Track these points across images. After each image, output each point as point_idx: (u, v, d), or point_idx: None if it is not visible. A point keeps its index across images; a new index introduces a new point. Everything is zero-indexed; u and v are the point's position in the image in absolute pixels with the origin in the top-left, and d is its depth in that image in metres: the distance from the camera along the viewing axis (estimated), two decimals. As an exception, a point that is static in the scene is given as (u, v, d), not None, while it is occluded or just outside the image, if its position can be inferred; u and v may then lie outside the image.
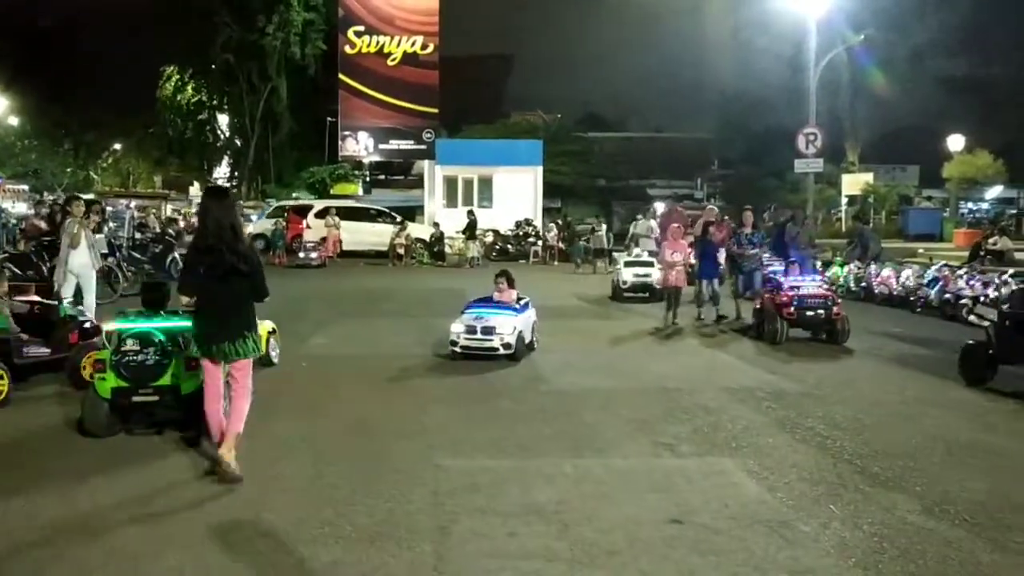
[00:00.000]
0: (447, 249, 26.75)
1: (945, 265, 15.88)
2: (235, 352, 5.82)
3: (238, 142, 48.39)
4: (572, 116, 51.92)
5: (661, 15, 64.04)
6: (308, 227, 26.64)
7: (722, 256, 13.93)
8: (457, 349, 9.86)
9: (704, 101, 60.60)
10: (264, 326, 8.80)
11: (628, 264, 17.24)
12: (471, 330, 9.81)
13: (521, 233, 28.58)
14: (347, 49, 32.56)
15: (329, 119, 38.36)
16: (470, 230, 26.03)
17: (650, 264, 16.68)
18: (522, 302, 10.55)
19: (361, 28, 32.40)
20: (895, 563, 4.45)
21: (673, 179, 52.05)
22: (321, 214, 27.51)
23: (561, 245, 27.58)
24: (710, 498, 5.39)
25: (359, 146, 33.00)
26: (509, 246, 28.26)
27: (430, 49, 32.47)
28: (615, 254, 21.15)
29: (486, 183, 32.05)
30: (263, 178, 45.96)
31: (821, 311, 11.32)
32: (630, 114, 66.61)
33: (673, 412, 7.59)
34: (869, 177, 41.99)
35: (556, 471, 5.89)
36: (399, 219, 27.30)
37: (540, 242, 27.78)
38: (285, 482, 5.65)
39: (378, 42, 32.34)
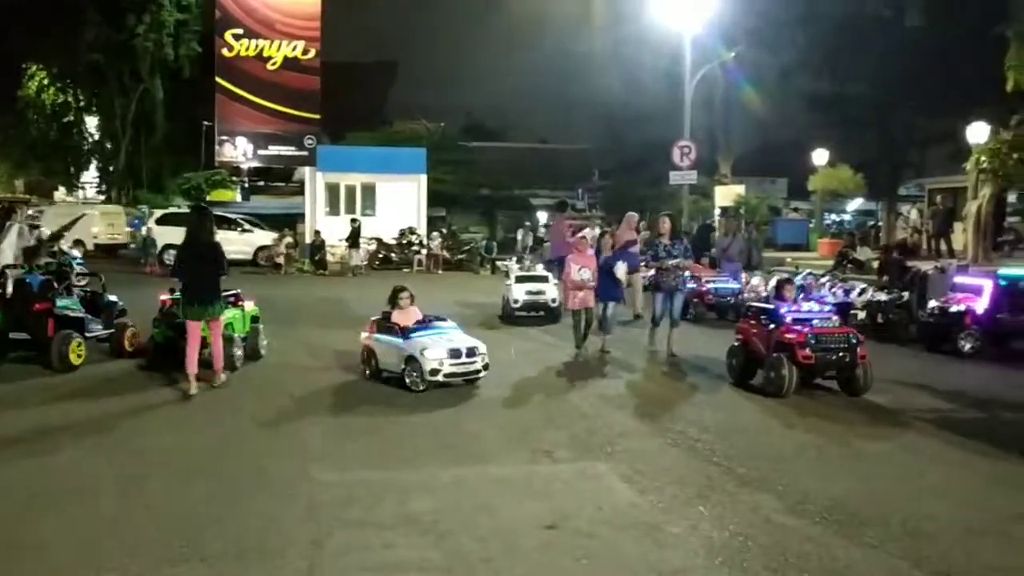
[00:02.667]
0: (329, 257, 26.35)
1: (810, 273, 16.63)
2: (207, 313, 8.61)
3: (108, 145, 46.23)
4: (456, 125, 51.94)
5: (545, 27, 64.83)
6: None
7: (620, 271, 11.38)
8: (440, 378, 8.65)
9: (586, 113, 61.62)
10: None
11: (520, 280, 15.03)
12: (455, 354, 8.73)
13: (405, 242, 28.43)
14: (224, 52, 31.56)
15: (205, 123, 37.13)
16: (353, 238, 25.73)
17: (545, 279, 14.94)
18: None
19: (240, 31, 31.47)
20: (758, 560, 4.63)
21: (556, 189, 52.77)
22: (161, 221, 26.52)
23: (445, 254, 27.58)
24: (585, 503, 5.48)
25: (237, 151, 31.99)
26: (393, 254, 28.07)
27: (311, 54, 31.83)
28: (501, 264, 20.56)
29: (369, 191, 31.70)
30: (136, 183, 44.07)
31: (845, 353, 8.68)
32: (513, 124, 67.06)
33: (552, 419, 7.68)
34: (741, 189, 43.57)
35: (434, 481, 5.87)
36: (245, 226, 27.03)
37: (424, 251, 27.71)
38: (149, 497, 5.44)
39: (257, 46, 31.48)
